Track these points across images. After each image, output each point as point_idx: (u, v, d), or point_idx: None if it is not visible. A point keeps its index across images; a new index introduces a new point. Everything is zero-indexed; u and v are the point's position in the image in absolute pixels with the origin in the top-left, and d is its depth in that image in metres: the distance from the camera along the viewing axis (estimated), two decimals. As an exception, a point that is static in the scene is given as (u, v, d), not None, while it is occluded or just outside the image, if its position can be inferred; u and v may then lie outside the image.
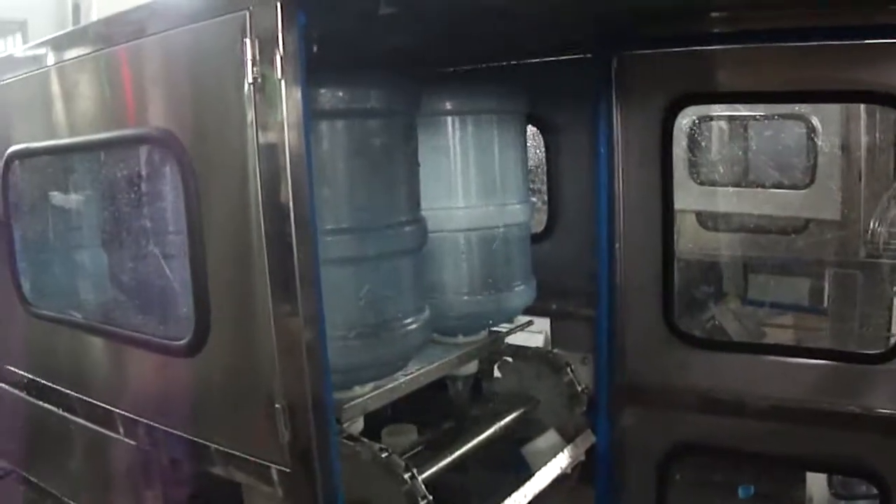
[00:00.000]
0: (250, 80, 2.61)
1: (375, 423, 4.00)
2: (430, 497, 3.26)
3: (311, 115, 2.92)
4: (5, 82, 3.97)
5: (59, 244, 4.10)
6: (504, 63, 4.67)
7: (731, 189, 7.13)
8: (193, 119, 2.96)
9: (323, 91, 3.19)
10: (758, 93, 4.30)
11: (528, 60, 4.61)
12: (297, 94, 2.61)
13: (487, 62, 4.69)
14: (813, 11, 3.72)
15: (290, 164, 2.61)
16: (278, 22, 2.52)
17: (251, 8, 2.58)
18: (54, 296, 4.06)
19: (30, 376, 4.17)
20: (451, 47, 4.46)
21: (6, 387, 4.37)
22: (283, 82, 2.57)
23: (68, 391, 3.86)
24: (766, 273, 7.43)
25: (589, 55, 4.35)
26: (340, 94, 3.24)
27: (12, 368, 4.30)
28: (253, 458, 2.95)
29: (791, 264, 7.17)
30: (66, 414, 3.90)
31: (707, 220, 7.25)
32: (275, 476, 2.88)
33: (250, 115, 2.65)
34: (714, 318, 7.16)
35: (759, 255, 7.24)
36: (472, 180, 4.04)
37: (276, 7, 2.52)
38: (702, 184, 7.14)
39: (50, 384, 4.01)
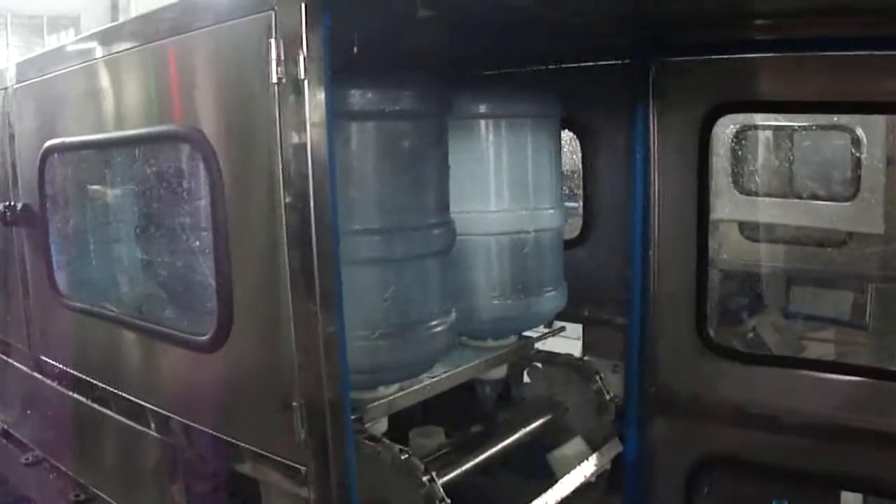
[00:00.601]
0: (274, 80, 2.62)
1: (406, 424, 4.01)
2: (449, 500, 3.26)
3: (342, 115, 2.95)
4: (40, 79, 4.04)
5: (90, 237, 4.15)
6: (541, 67, 4.65)
7: (774, 200, 7.03)
8: (220, 117, 2.98)
9: (353, 92, 3.21)
10: (798, 102, 4.25)
11: (566, 65, 4.58)
12: (321, 94, 2.61)
13: (524, 66, 4.67)
14: (856, 20, 3.66)
15: (313, 164, 2.62)
16: (302, 22, 2.53)
17: (276, 8, 2.59)
18: (85, 288, 4.10)
19: (61, 367, 4.23)
20: (487, 51, 4.45)
21: (40, 377, 4.44)
22: (306, 82, 2.57)
23: (98, 382, 3.91)
24: (808, 285, 7.32)
25: (627, 61, 4.32)
26: (371, 95, 3.25)
27: (46, 359, 4.37)
28: (270, 455, 2.96)
29: (833, 277, 7.05)
30: (95, 405, 3.94)
31: (749, 230, 7.15)
32: (291, 473, 2.88)
33: (275, 115, 2.65)
34: (755, 330, 7.07)
35: (800, 267, 7.14)
36: (505, 184, 4.05)
37: (301, 7, 2.53)
38: (744, 193, 7.05)
39: (81, 375, 4.06)
